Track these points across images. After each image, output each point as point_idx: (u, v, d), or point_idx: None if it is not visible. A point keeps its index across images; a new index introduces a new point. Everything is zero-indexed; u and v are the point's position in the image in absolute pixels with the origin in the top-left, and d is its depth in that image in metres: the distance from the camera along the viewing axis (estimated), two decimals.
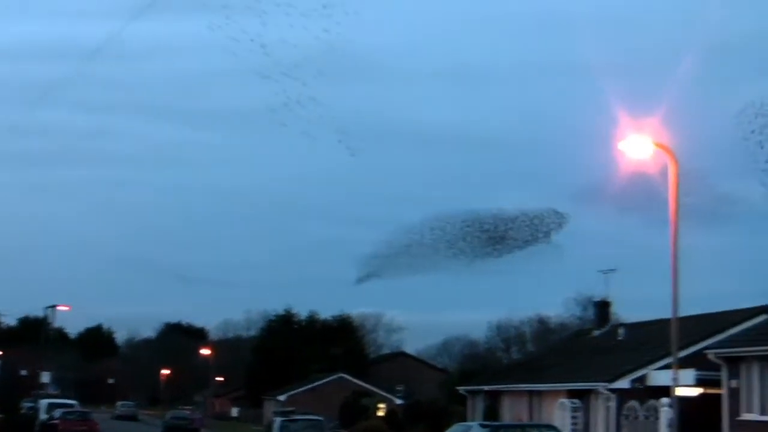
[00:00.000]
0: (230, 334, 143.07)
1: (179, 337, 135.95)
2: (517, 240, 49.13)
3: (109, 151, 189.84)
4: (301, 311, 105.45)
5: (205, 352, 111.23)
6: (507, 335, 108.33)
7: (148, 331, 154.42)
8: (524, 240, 49.07)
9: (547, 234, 48.65)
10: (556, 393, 47.35)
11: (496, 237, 49.33)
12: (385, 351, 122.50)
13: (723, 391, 35.50)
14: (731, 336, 38.60)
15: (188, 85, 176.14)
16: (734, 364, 35.21)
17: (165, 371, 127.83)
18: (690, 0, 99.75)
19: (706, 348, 37.35)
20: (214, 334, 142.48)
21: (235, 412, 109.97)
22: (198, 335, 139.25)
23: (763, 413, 33.61)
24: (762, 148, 35.26)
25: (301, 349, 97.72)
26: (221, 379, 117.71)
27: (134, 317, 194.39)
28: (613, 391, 42.25)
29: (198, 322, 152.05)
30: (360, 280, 55.16)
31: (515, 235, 49.04)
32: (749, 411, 34.23)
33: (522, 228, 48.83)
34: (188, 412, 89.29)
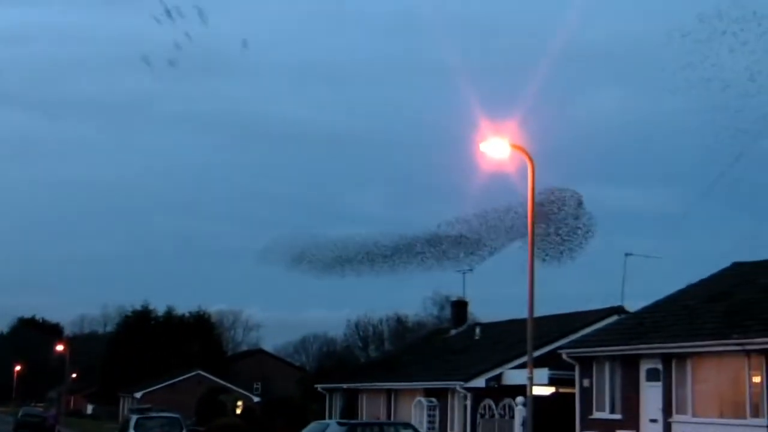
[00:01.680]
0: (87, 330, 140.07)
1: (33, 333, 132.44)
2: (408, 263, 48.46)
3: None
4: (159, 307, 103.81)
5: (59, 348, 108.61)
6: (365, 333, 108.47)
7: (1, 326, 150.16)
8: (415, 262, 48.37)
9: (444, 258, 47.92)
10: (413, 391, 47.40)
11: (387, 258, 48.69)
12: (244, 348, 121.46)
13: (575, 390, 35.95)
14: (584, 336, 39.11)
15: (43, 74, 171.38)
16: (586, 363, 35.68)
17: (17, 367, 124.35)
18: (547, 6, 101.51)
19: (560, 348, 37.74)
20: (69, 330, 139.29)
21: (89, 409, 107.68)
22: (53, 331, 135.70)
23: (612, 411, 34.15)
24: None
25: (158, 346, 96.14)
26: (76, 375, 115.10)
27: None
28: (468, 389, 42.44)
29: (53, 317, 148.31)
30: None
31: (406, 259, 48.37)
32: (600, 410, 34.74)
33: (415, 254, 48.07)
34: (41, 409, 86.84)
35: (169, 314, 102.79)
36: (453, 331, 56.03)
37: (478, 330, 52.14)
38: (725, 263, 36.71)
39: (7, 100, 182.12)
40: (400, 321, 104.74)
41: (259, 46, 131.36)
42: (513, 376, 40.04)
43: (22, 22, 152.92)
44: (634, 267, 42.85)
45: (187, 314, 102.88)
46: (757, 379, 28.21)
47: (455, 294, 57.78)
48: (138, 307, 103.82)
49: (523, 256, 28.82)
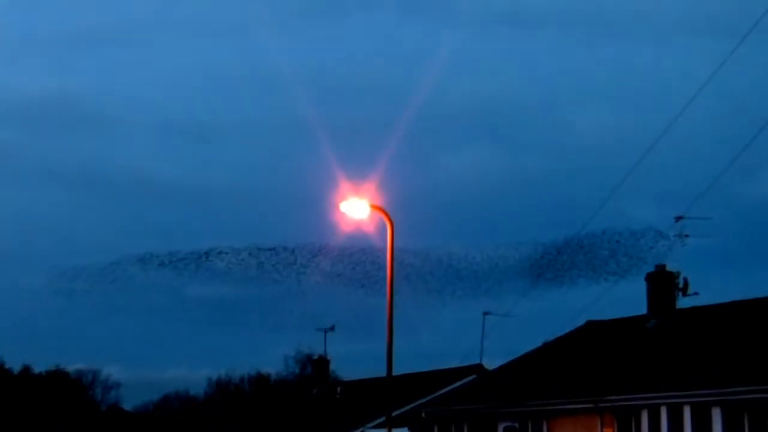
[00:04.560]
0: None
1: None
2: None
3: None
4: (14, 364, 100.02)
5: None
6: (227, 391, 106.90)
7: None
8: None
9: None
10: None
11: None
12: (102, 407, 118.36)
13: None
14: (443, 394, 39.19)
15: None
16: (445, 423, 35.71)
17: None
18: (410, 67, 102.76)
19: (421, 406, 37.73)
20: None
21: None
22: None
23: None
24: None
25: (15, 406, 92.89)
26: None
27: None
28: None
29: None
30: None
31: None
32: None
33: None
34: None
35: (24, 372, 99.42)
36: (315, 390, 55.60)
37: (339, 389, 51.85)
38: (580, 321, 37.23)
39: None
40: (261, 380, 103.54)
41: (124, 103, 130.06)
42: None
43: None
44: (492, 325, 43.29)
45: (44, 372, 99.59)
46: None
47: (317, 352, 57.46)
48: None
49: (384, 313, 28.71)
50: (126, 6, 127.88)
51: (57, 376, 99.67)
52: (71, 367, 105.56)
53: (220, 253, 48.02)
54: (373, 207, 27.36)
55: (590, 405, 29.23)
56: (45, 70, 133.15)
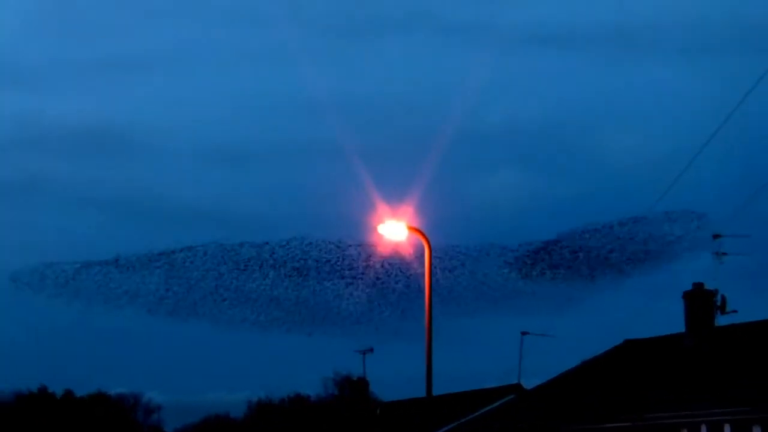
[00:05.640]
0: None
1: None
2: None
3: None
4: (56, 388, 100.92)
5: None
6: (267, 414, 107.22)
7: None
8: None
9: None
10: None
11: None
12: (144, 430, 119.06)
13: None
14: (482, 414, 39.21)
15: None
16: None
17: None
18: (444, 90, 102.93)
19: (459, 426, 37.79)
20: None
21: None
22: None
23: None
24: None
25: (58, 429, 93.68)
26: None
27: None
28: None
29: None
30: None
31: None
32: None
33: None
34: None
35: (67, 397, 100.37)
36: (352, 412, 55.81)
37: (378, 410, 52.00)
38: (618, 340, 37.22)
39: None
40: (300, 401, 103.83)
41: (158, 129, 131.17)
42: None
43: None
44: (530, 344, 43.41)
45: (86, 396, 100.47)
46: None
47: (355, 373, 57.67)
48: (34, 389, 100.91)
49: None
50: (163, 34, 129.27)
51: (99, 399, 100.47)
52: (113, 391, 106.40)
53: (256, 274, 48.23)
54: (411, 229, 27.55)
55: (629, 423, 29.27)
56: (84, 99, 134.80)
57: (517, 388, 42.57)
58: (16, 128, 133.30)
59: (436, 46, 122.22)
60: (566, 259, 43.70)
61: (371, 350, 52.88)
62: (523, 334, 43.46)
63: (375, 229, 28.15)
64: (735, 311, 32.67)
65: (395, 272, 40.27)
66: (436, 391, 29.49)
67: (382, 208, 28.20)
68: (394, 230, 27.67)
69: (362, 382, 56.83)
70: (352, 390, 58.96)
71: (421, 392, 27.78)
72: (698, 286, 33.34)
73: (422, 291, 28.53)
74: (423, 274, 28.18)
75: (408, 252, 29.69)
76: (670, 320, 34.97)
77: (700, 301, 33.11)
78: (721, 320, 32.82)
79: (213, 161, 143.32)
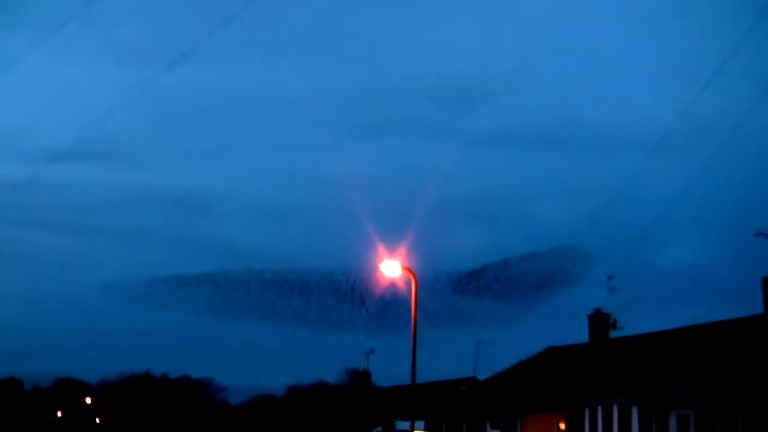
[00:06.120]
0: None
1: None
2: None
3: None
4: (157, 372, 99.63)
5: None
6: (300, 395, 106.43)
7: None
8: None
9: None
10: None
11: None
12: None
13: None
14: (449, 396, 39.25)
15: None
16: (448, 417, 35.57)
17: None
18: (426, 174, 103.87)
19: (432, 405, 37.64)
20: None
21: None
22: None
23: None
24: None
25: (158, 403, 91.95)
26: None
27: None
28: None
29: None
30: None
31: None
32: None
33: None
34: None
35: (164, 378, 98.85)
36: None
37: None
38: (541, 347, 37.47)
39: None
40: (325, 386, 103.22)
41: (226, 192, 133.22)
42: (401, 425, 40.13)
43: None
44: (484, 348, 43.93)
45: (175, 379, 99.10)
46: (562, 426, 29.06)
47: (362, 367, 58.15)
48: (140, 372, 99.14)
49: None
50: (231, 128, 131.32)
51: (185, 381, 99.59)
52: (194, 375, 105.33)
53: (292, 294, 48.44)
54: (404, 267, 27.95)
55: (550, 405, 29.53)
56: (178, 173, 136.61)
57: (472, 379, 42.72)
58: (130, 193, 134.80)
59: (418, 142, 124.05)
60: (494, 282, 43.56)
61: (372, 351, 53.28)
62: (478, 342, 43.92)
63: (377, 266, 28.43)
64: (623, 328, 33.13)
65: (391, 295, 40.71)
66: (419, 380, 29.79)
67: (383, 251, 28.53)
68: (390, 268, 28.05)
69: (365, 374, 57.30)
70: (359, 379, 59.40)
71: (409, 380, 28.07)
72: (597, 310, 33.83)
73: (409, 309, 28.65)
74: (410, 298, 28.33)
75: (401, 283, 29.95)
76: (575, 333, 35.34)
77: (599, 321, 33.58)
78: (614, 334, 33.33)
79: (262, 215, 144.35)
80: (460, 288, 43.03)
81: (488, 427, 33.17)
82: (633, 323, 32.93)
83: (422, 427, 37.50)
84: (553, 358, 35.32)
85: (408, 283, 28.61)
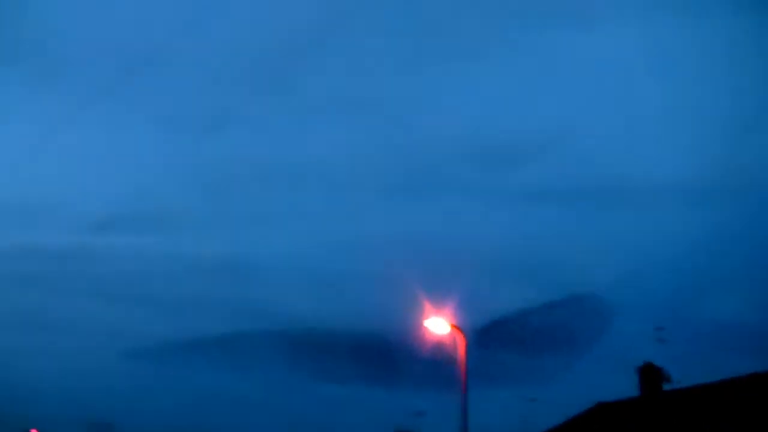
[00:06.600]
0: None
1: None
2: None
3: None
4: None
5: None
6: None
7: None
8: None
9: None
10: None
11: None
12: None
13: None
14: None
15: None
16: None
17: None
18: (472, 234, 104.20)
19: None
20: None
21: None
22: None
23: None
24: None
25: None
26: None
27: None
28: None
29: None
30: None
31: None
32: None
33: None
34: None
35: None
36: None
37: None
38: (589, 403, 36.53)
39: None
40: None
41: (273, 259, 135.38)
42: None
43: None
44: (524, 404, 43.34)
45: None
46: None
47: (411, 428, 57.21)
48: None
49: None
50: (271, 196, 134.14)
51: None
52: None
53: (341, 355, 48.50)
54: (452, 325, 27.92)
55: None
56: (220, 240, 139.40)
57: None
58: (174, 260, 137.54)
59: (460, 200, 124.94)
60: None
61: (423, 413, 52.62)
62: (532, 400, 43.36)
63: (423, 324, 28.36)
64: (679, 381, 32.33)
65: (438, 354, 40.58)
66: None
67: (430, 310, 28.52)
68: (438, 325, 27.99)
69: None
70: None
71: None
72: (648, 363, 33.15)
73: (456, 367, 28.43)
74: (456, 356, 28.12)
75: (448, 342, 29.87)
76: (619, 386, 34.56)
77: (650, 373, 32.90)
78: (666, 386, 32.62)
79: (303, 280, 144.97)
80: (501, 342, 42.83)
81: None
82: (681, 376, 32.30)
83: None
84: (604, 413, 34.56)
85: (454, 341, 28.50)
